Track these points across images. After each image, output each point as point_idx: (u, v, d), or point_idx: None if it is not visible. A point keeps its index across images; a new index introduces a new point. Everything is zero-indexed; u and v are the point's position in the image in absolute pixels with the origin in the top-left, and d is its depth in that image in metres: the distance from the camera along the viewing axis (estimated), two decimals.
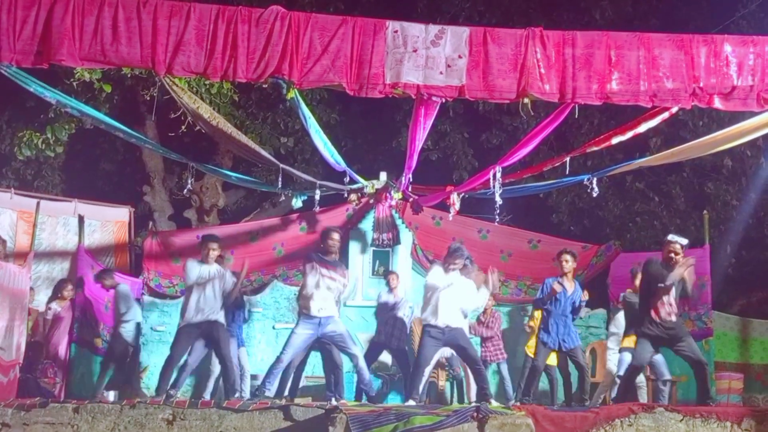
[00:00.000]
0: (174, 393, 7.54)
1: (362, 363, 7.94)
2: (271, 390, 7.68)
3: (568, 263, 8.17)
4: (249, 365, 9.59)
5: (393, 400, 9.58)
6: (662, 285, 7.12)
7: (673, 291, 7.19)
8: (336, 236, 7.94)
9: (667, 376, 8.68)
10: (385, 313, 9.51)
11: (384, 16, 7.39)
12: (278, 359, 7.78)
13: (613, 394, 8.53)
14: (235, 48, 6.98)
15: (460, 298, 7.73)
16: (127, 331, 9.38)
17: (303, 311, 7.85)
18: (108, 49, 6.90)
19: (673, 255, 7.17)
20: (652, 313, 7.19)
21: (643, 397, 8.97)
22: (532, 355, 8.87)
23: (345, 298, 8.72)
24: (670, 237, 7.34)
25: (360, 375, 8.00)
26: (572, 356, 8.17)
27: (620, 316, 9.22)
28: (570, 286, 8.19)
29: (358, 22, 7.17)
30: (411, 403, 7.65)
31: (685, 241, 7.32)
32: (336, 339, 7.82)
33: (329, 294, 7.80)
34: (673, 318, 7.22)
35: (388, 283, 9.80)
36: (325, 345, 7.96)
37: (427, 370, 8.31)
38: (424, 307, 7.81)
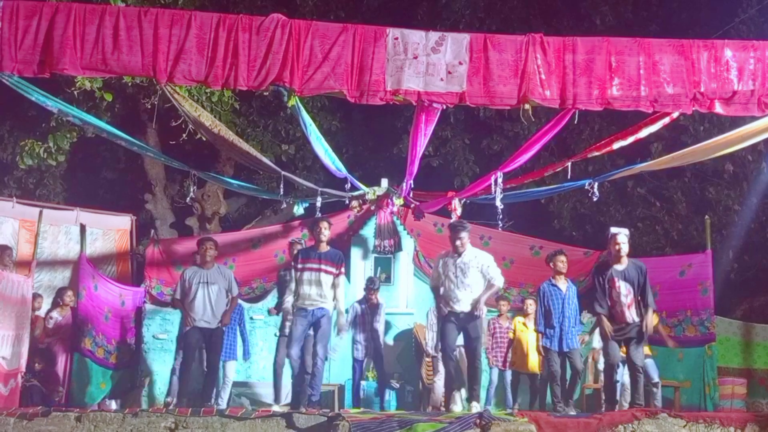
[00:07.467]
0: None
1: (321, 366, 7.70)
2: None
3: (564, 264, 8.48)
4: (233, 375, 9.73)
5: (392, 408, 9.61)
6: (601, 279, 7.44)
7: (623, 287, 7.40)
8: (324, 224, 7.80)
9: (656, 379, 8.69)
10: (363, 321, 9.65)
11: (384, 24, 7.39)
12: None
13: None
14: (236, 56, 6.98)
15: (479, 277, 7.73)
16: None
17: (296, 305, 7.75)
18: (109, 58, 6.89)
19: (618, 248, 7.47)
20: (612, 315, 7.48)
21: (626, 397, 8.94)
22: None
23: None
24: (614, 230, 7.63)
25: (314, 378, 7.67)
26: (570, 358, 8.27)
27: None
28: (564, 285, 8.44)
29: (359, 29, 7.17)
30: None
31: (626, 231, 7.64)
32: (318, 333, 7.65)
33: (322, 287, 7.66)
34: (629, 317, 7.39)
35: (367, 289, 9.80)
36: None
37: (454, 357, 8.05)
38: (438, 293, 7.87)
